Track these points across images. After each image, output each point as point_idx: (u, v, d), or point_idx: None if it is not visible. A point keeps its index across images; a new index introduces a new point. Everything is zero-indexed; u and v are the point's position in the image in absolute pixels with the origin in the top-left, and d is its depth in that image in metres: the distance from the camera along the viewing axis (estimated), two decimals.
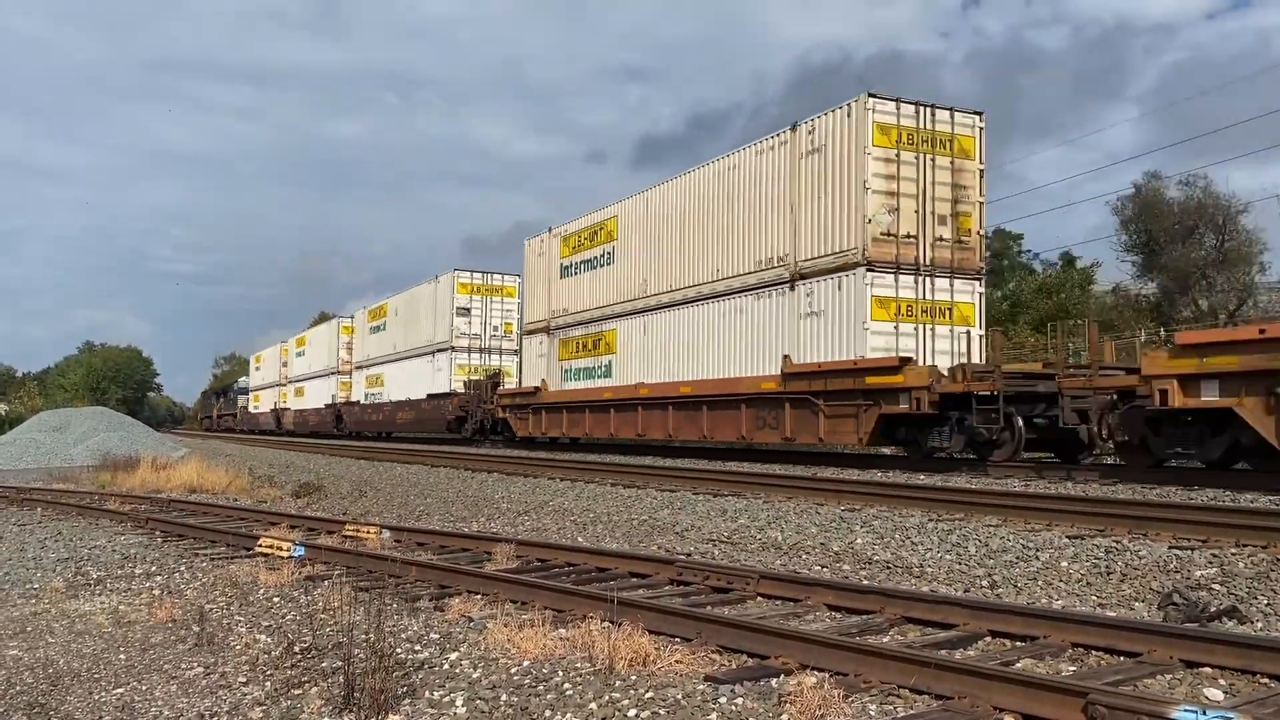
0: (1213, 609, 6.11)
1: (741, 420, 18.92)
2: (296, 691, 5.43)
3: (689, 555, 9.17)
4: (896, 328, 16.54)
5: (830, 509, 11.00)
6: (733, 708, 4.51)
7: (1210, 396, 11.78)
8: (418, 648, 5.93)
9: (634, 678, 4.97)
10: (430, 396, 34.64)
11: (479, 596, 7.27)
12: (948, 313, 17.11)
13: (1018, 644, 5.54)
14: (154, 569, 9.77)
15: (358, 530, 11.06)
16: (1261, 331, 11.32)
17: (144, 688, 5.85)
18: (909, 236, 16.65)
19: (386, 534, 10.78)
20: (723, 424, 19.56)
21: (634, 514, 11.78)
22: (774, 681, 4.86)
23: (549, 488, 15.22)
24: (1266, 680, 4.72)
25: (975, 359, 16.65)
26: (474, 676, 5.27)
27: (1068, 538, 8.44)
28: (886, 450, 19.24)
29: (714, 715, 4.45)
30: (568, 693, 4.86)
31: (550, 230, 28.30)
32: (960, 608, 6.08)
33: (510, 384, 31.33)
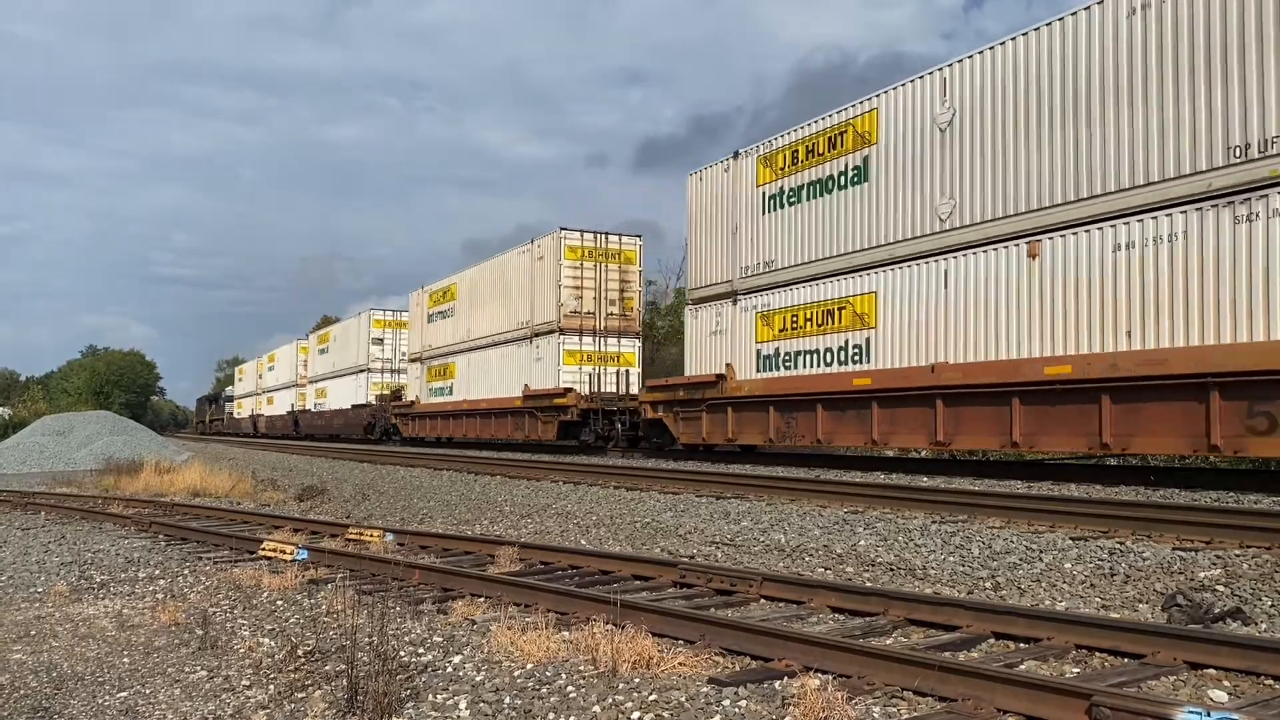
0: (1217, 610, 6.10)
1: (508, 424, 28.59)
2: (300, 695, 5.43)
3: (692, 558, 9.16)
4: (579, 368, 26.10)
5: (833, 511, 10.99)
6: (736, 710, 4.51)
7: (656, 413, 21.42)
8: (421, 651, 5.93)
9: (637, 680, 4.97)
10: (354, 406, 44.30)
11: (482, 599, 7.27)
12: (616, 358, 26.79)
13: (1021, 646, 5.53)
14: (157, 573, 9.78)
15: (361, 533, 11.07)
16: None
17: (148, 691, 5.86)
18: (589, 313, 26.60)
19: (389, 537, 10.79)
20: (500, 426, 29.20)
21: (637, 516, 11.77)
22: (777, 684, 4.86)
23: (551, 490, 15.22)
24: (1271, 682, 4.71)
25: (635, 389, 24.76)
26: (477, 679, 5.27)
27: (1071, 539, 8.43)
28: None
29: (717, 718, 4.45)
30: (571, 695, 4.86)
31: (423, 287, 37.41)
32: (963, 610, 6.07)
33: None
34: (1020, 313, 13.79)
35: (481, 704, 4.90)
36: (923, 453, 18.98)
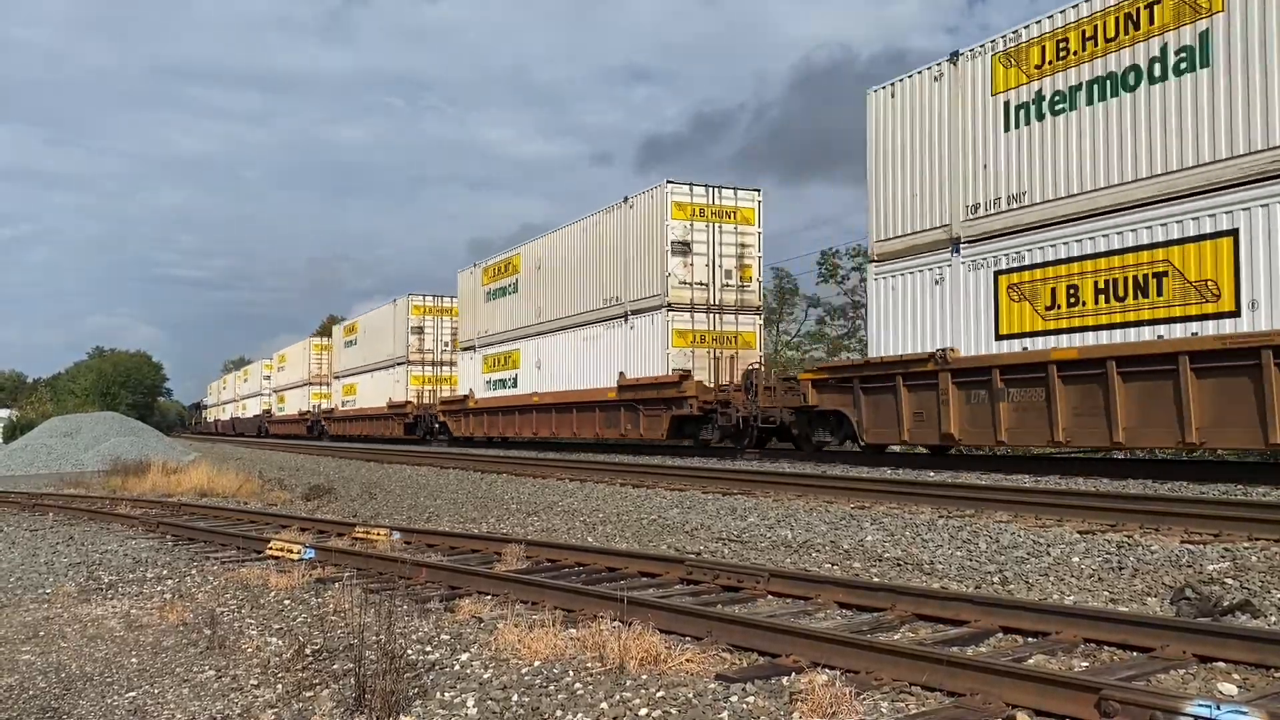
0: (1225, 603, 6.08)
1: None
2: (308, 694, 5.44)
3: (699, 554, 9.15)
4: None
5: (840, 506, 10.97)
6: (744, 706, 4.50)
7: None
8: (428, 649, 5.93)
9: (645, 677, 4.97)
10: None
11: (489, 597, 7.28)
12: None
13: (1030, 640, 5.52)
14: (165, 573, 9.80)
15: (368, 532, 11.08)
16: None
17: (156, 691, 5.87)
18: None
19: (396, 536, 10.80)
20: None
21: (643, 513, 11.77)
22: (785, 680, 4.85)
23: (558, 488, 15.22)
24: None
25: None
26: (485, 677, 5.27)
27: (1079, 533, 8.41)
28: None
29: (725, 714, 4.44)
30: (579, 693, 4.86)
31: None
32: (971, 604, 6.06)
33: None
34: (553, 368, 17.14)
35: (489, 701, 4.90)
36: None
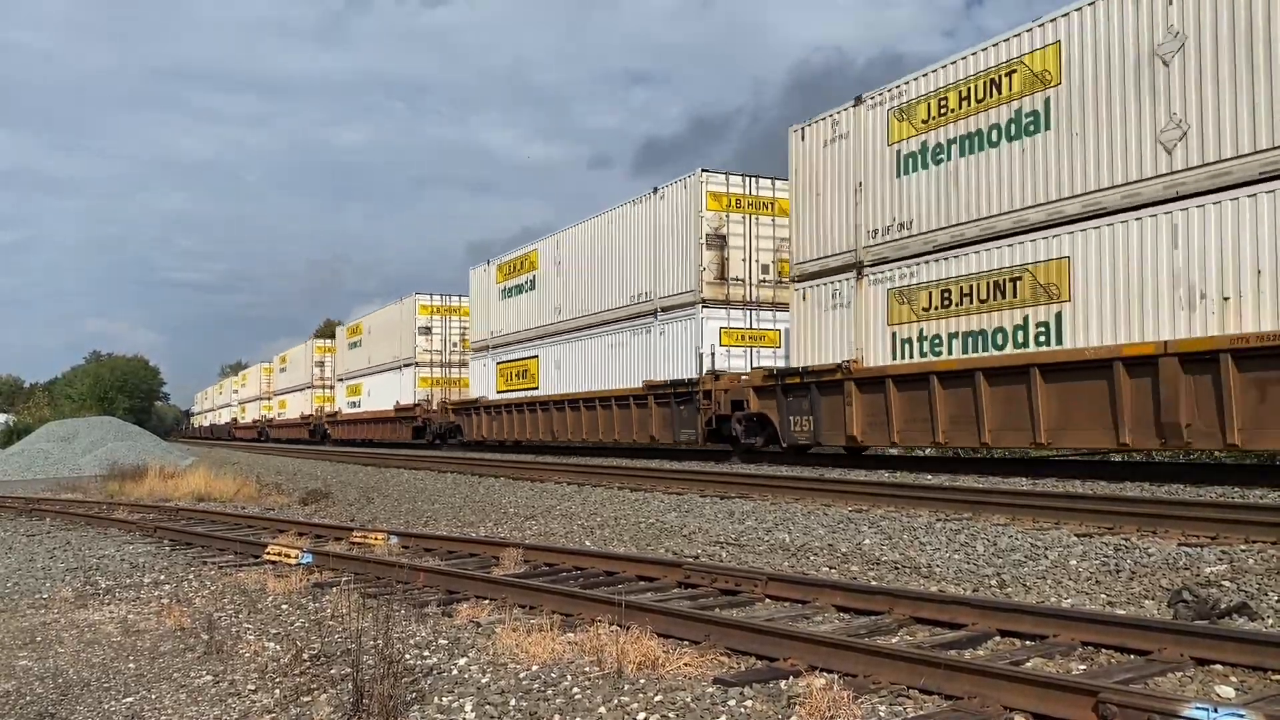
0: (1223, 606, 6.09)
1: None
2: (305, 699, 5.43)
3: (696, 558, 9.15)
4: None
5: (838, 510, 10.98)
6: (742, 710, 4.50)
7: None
8: (426, 653, 5.93)
9: (642, 681, 4.97)
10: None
11: (487, 601, 7.27)
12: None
13: (1027, 643, 5.52)
14: (162, 577, 9.79)
15: (365, 536, 11.07)
16: None
17: (153, 696, 5.86)
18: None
19: (394, 540, 10.79)
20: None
21: (641, 517, 11.77)
22: (783, 683, 4.85)
23: (555, 492, 15.21)
24: (1278, 677, 4.69)
25: None
26: (483, 681, 5.27)
27: (1076, 536, 8.42)
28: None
29: (723, 718, 4.44)
30: (576, 697, 4.86)
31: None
32: (969, 607, 6.06)
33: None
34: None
35: (487, 706, 4.89)
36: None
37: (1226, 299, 11.56)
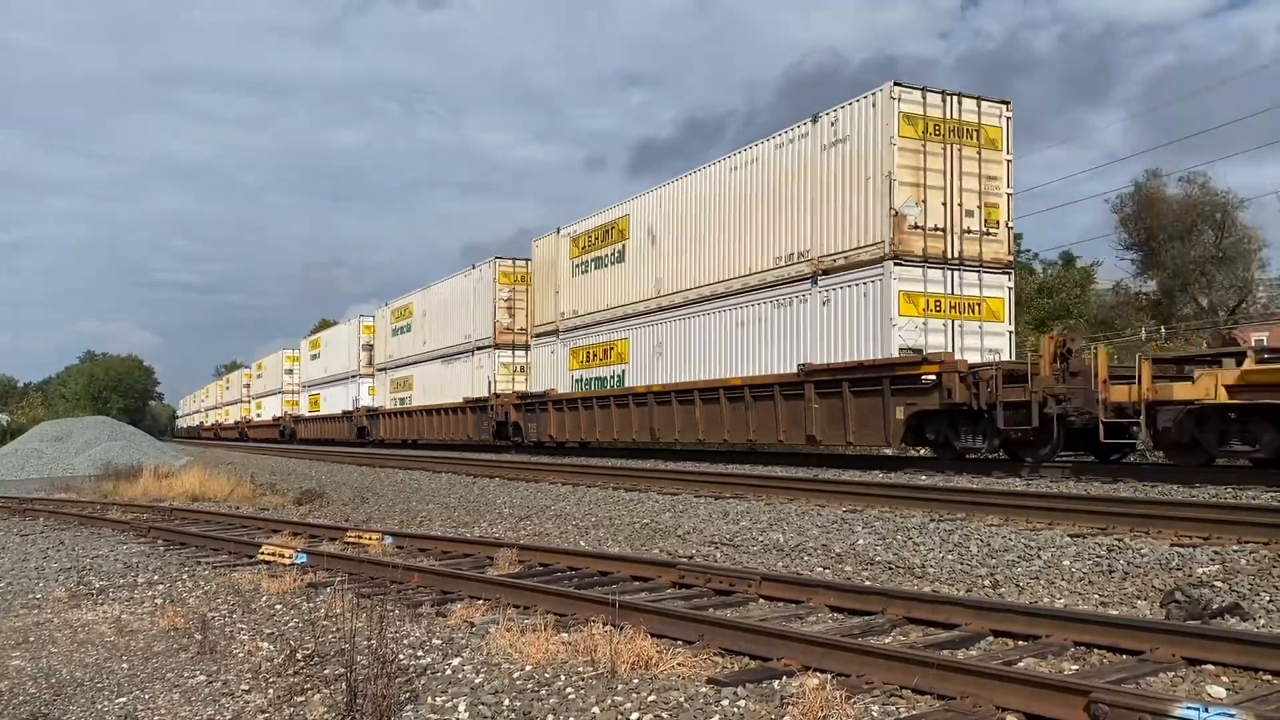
0: (1215, 606, 6.11)
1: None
2: (299, 699, 5.43)
3: (691, 558, 9.16)
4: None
5: (832, 510, 10.99)
6: (735, 710, 4.51)
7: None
8: (420, 653, 5.93)
9: (636, 681, 4.97)
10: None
11: (481, 602, 7.27)
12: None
13: (1020, 643, 5.53)
14: (156, 577, 9.77)
15: (360, 537, 11.06)
16: None
17: (147, 696, 5.85)
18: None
19: (388, 540, 10.78)
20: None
21: (636, 517, 11.77)
22: (776, 683, 4.86)
23: (550, 492, 15.21)
24: (1269, 677, 4.71)
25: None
26: (476, 682, 5.27)
27: (1070, 536, 8.43)
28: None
29: (716, 718, 4.45)
30: (570, 697, 4.86)
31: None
32: (962, 608, 6.07)
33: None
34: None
35: (481, 706, 4.89)
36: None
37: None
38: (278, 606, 7.76)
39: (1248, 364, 11.98)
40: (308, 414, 53.20)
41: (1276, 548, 7.46)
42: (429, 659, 5.79)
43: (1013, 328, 17.08)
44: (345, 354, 46.22)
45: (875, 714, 4.41)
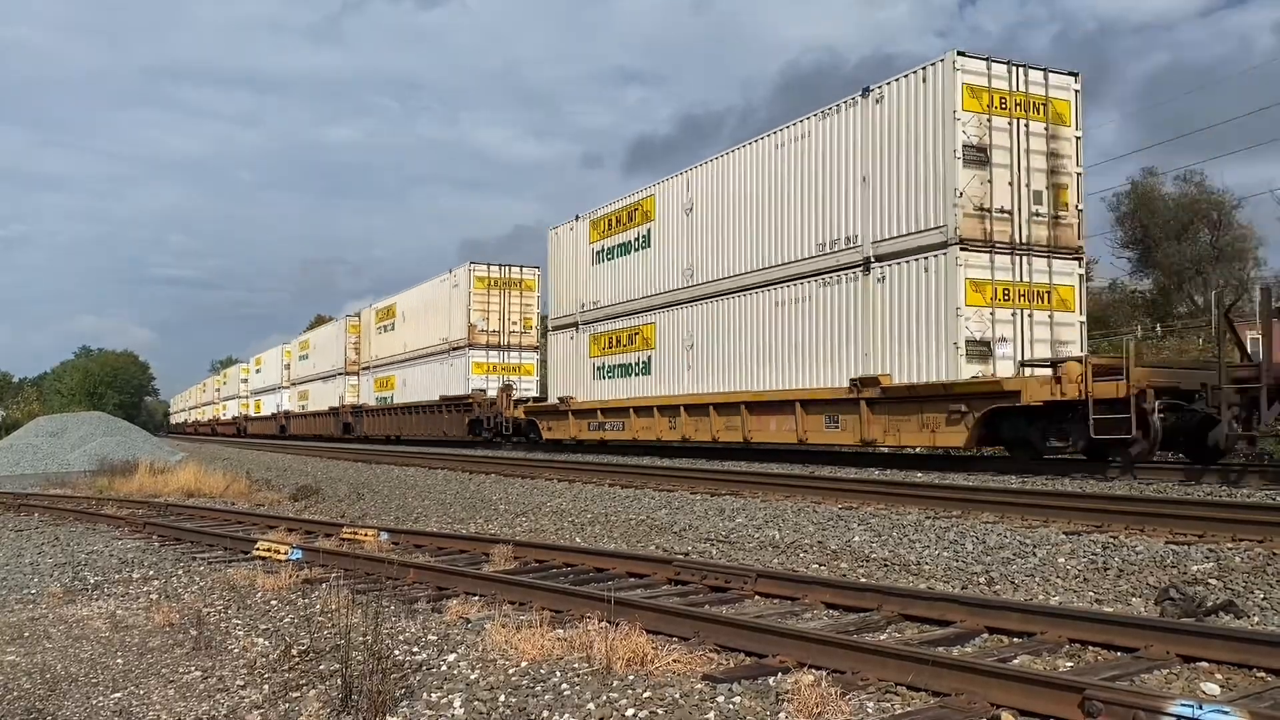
0: (1209, 604, 6.12)
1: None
2: (294, 694, 5.43)
3: (687, 555, 9.16)
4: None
5: (828, 507, 11.00)
6: (730, 706, 4.51)
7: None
8: (415, 649, 5.92)
9: (632, 677, 4.97)
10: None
11: (477, 598, 7.27)
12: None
13: (1015, 640, 5.54)
14: (151, 573, 9.76)
15: (355, 533, 11.05)
16: None
17: (142, 692, 5.85)
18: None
19: (384, 536, 10.78)
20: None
21: (631, 514, 11.77)
22: (772, 680, 4.87)
23: (546, 489, 15.21)
24: (1263, 675, 4.72)
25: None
26: (472, 678, 5.27)
27: (1065, 534, 8.45)
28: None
29: (712, 714, 4.45)
30: (565, 693, 4.86)
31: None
32: (958, 605, 6.08)
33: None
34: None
35: (476, 702, 4.89)
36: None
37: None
38: (273, 602, 7.76)
39: None
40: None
41: (1270, 545, 7.48)
42: (424, 655, 5.79)
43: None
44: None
45: (870, 710, 4.41)
